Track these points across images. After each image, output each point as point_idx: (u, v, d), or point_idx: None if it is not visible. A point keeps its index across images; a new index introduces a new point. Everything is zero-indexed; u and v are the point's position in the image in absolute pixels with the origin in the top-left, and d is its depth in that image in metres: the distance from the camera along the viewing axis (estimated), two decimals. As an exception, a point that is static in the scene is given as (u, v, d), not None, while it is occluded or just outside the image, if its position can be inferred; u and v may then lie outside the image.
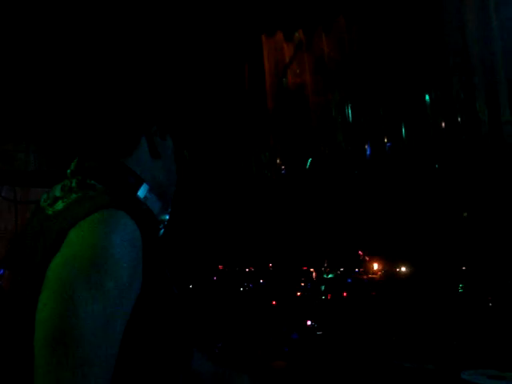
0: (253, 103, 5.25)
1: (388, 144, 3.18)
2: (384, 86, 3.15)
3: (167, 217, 0.97)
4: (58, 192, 0.84)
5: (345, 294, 1.85)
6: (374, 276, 1.92)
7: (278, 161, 4.33)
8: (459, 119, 2.69)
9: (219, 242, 2.93)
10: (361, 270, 2.01)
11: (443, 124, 2.74)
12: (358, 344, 1.76)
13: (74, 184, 0.85)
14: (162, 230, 0.99)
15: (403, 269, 1.87)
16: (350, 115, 3.58)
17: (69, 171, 0.91)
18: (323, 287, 1.98)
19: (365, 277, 1.94)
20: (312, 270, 2.11)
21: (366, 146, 3.27)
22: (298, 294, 2.01)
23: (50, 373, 0.61)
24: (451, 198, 2.21)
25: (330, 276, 2.04)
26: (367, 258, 2.04)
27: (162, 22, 4.20)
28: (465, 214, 2.03)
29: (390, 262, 1.98)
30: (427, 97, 2.90)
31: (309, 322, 2.11)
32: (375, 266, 1.99)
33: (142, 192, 0.88)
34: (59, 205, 0.78)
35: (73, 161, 0.93)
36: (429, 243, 1.99)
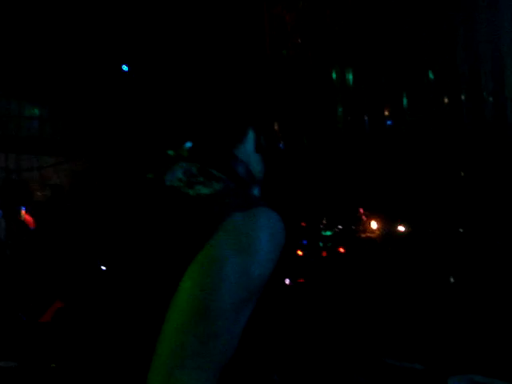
0: (252, 75, 5.17)
1: (388, 122, 3.19)
2: (388, 56, 3.15)
3: None
4: (180, 174, 0.85)
5: (342, 249, 1.88)
6: (371, 235, 1.96)
7: (276, 134, 4.31)
8: (463, 97, 2.71)
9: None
10: (359, 227, 2.04)
11: (446, 100, 2.76)
12: (348, 322, 1.75)
13: (195, 171, 0.85)
14: None
15: (401, 228, 1.91)
16: (351, 82, 3.57)
17: (171, 152, 0.89)
18: (321, 244, 2.01)
19: (362, 235, 1.98)
20: (309, 226, 2.13)
21: (366, 118, 3.28)
22: (300, 252, 2.02)
23: (179, 335, 0.65)
24: (450, 163, 2.25)
25: (327, 233, 2.07)
26: (365, 218, 2.07)
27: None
28: (462, 174, 2.07)
29: (388, 221, 2.01)
30: (430, 73, 2.91)
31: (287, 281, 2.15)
32: (373, 225, 2.03)
33: (256, 190, 0.88)
34: (202, 189, 0.80)
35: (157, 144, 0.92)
36: (426, 204, 2.04)
